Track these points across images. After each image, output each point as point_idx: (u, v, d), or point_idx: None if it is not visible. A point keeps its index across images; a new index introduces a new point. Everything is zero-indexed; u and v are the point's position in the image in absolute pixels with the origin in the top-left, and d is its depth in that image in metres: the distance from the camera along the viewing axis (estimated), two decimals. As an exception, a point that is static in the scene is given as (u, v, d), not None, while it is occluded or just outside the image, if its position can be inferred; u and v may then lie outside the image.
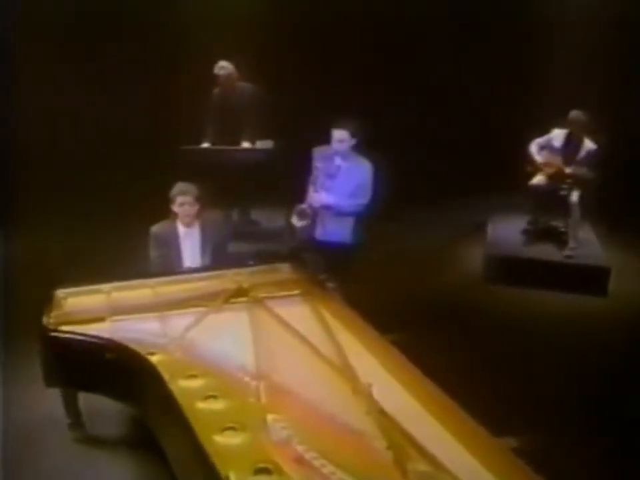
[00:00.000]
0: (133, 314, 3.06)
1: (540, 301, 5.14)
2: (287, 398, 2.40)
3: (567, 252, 5.40)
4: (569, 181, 5.42)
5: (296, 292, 3.23)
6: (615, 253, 5.88)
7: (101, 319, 3.01)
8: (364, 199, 3.83)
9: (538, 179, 5.58)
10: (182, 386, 2.48)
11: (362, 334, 2.81)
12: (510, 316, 4.90)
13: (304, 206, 3.83)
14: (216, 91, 5.66)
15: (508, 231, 5.94)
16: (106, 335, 2.88)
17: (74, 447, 3.26)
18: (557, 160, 5.49)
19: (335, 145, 3.83)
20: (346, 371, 2.51)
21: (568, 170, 5.41)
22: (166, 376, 2.50)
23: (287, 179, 4.96)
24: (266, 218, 6.07)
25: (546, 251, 5.56)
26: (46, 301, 3.15)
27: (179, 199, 3.79)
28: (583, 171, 5.35)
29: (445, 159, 6.41)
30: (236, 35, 6.07)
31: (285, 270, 3.51)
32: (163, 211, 4.07)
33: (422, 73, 6.57)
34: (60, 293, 3.20)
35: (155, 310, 3.09)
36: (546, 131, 5.60)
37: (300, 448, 2.10)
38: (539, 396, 3.88)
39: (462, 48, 6.51)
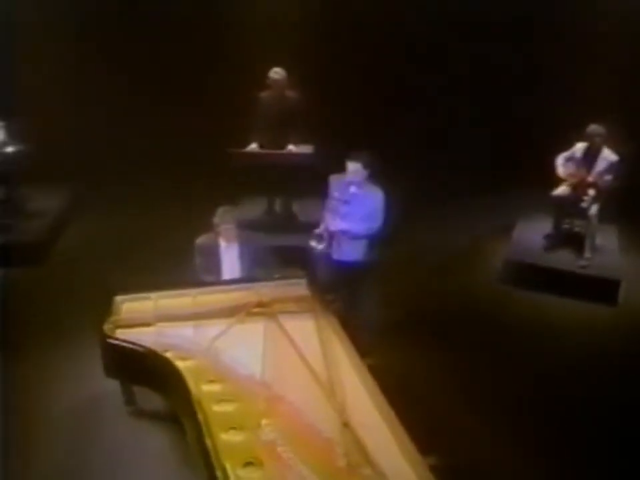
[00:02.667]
0: (174, 321, 3.96)
1: (554, 307, 5.68)
2: (280, 406, 3.23)
3: (581, 262, 5.93)
4: (591, 190, 5.93)
5: (305, 309, 4.04)
6: (636, 261, 6.38)
7: (148, 324, 3.94)
8: (376, 223, 4.48)
9: (561, 190, 6.11)
10: (203, 389, 3.35)
11: (349, 353, 3.60)
12: (522, 320, 5.48)
13: (320, 231, 4.56)
14: (264, 94, 6.41)
15: (533, 234, 6.44)
16: (151, 339, 3.79)
17: (128, 418, 4.23)
18: (581, 171, 6.00)
19: (350, 176, 4.51)
20: (328, 386, 3.32)
21: (590, 179, 5.92)
22: (191, 381, 3.38)
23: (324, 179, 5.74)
24: (305, 211, 6.82)
25: (564, 258, 6.06)
26: (106, 304, 4.13)
27: (223, 226, 4.60)
28: (603, 180, 5.85)
29: (479, 162, 7.01)
30: (286, 45, 6.81)
31: (301, 286, 4.31)
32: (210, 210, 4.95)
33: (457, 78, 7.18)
34: (118, 298, 4.13)
35: (192, 319, 3.97)
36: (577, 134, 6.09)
37: (280, 449, 2.94)
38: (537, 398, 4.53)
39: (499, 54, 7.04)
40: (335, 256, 4.57)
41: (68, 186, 7.23)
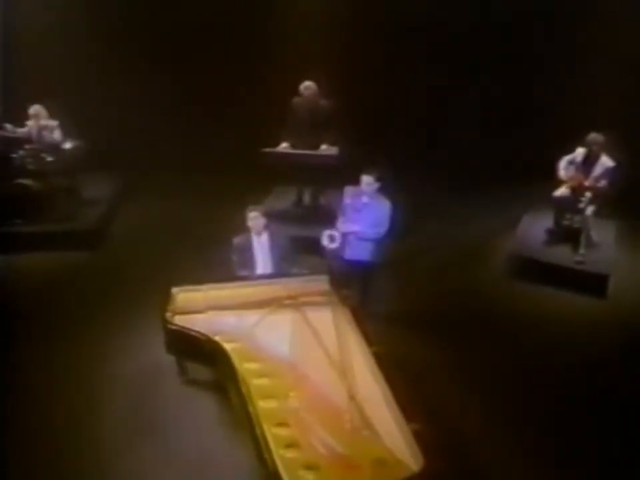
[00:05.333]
0: (221, 310, 5.17)
1: (552, 299, 6.67)
2: (303, 381, 4.44)
3: (577, 258, 6.95)
4: (588, 193, 6.93)
5: (325, 302, 5.21)
6: (631, 255, 7.38)
7: (200, 312, 5.17)
8: (382, 228, 5.64)
9: (561, 191, 7.13)
10: (245, 367, 4.56)
11: (359, 341, 4.77)
12: (521, 312, 6.50)
13: (333, 232, 5.70)
14: (297, 100, 7.51)
15: (537, 229, 7.47)
16: (203, 324, 5.01)
17: (181, 386, 5.44)
18: (579, 175, 6.99)
19: (364, 186, 5.63)
20: (341, 367, 4.50)
21: (586, 183, 6.92)
22: (235, 360, 4.60)
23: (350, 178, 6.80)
24: (331, 204, 7.86)
25: (562, 254, 7.06)
26: (165, 296, 5.35)
27: (251, 215, 5.75)
28: (599, 184, 6.84)
29: (488, 159, 8.06)
30: (318, 54, 7.89)
31: (323, 282, 5.48)
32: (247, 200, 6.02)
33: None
34: (175, 290, 5.35)
35: (234, 308, 5.19)
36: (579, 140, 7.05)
37: (303, 414, 4.15)
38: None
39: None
40: (347, 256, 5.73)
41: (117, 176, 8.49)
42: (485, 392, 5.42)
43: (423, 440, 3.89)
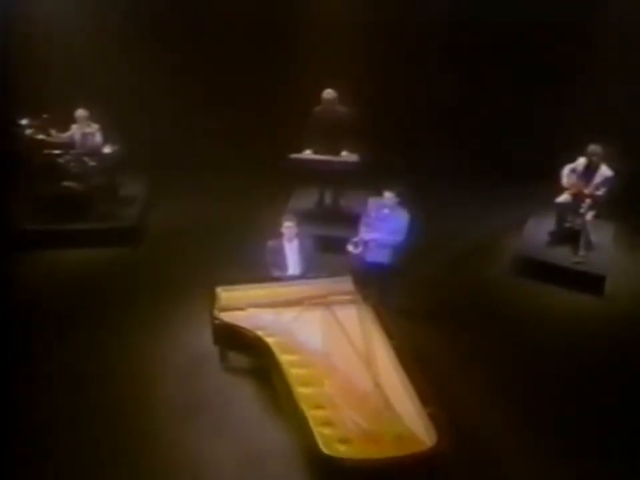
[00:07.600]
0: (261, 307, 6.15)
1: (552, 296, 7.62)
2: (334, 371, 5.43)
3: (576, 258, 7.88)
4: (587, 200, 7.84)
5: (350, 300, 6.20)
6: (627, 256, 8.32)
7: (242, 309, 6.14)
8: (400, 237, 6.61)
9: (563, 198, 8.05)
10: (284, 358, 5.54)
11: (381, 336, 5.76)
12: (524, 307, 7.47)
13: (357, 239, 6.69)
14: (317, 109, 8.42)
15: (541, 231, 8.39)
16: (246, 320, 5.98)
17: (222, 372, 6.40)
18: (580, 183, 7.91)
19: (385, 200, 6.61)
20: (366, 359, 5.49)
21: (586, 191, 7.84)
22: (276, 352, 5.58)
23: (369, 184, 7.67)
24: (350, 205, 8.76)
25: (563, 255, 7.97)
26: (211, 294, 6.32)
27: (286, 223, 6.73)
28: (598, 191, 7.76)
29: (496, 161, 9.08)
30: (338, 66, 8.80)
31: (348, 282, 6.46)
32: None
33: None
34: (218, 289, 6.34)
35: (272, 306, 6.16)
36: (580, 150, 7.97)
37: (336, 398, 5.14)
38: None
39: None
40: (368, 259, 6.73)
41: (154, 175, 9.41)
42: (491, 379, 6.40)
43: (436, 420, 4.89)
